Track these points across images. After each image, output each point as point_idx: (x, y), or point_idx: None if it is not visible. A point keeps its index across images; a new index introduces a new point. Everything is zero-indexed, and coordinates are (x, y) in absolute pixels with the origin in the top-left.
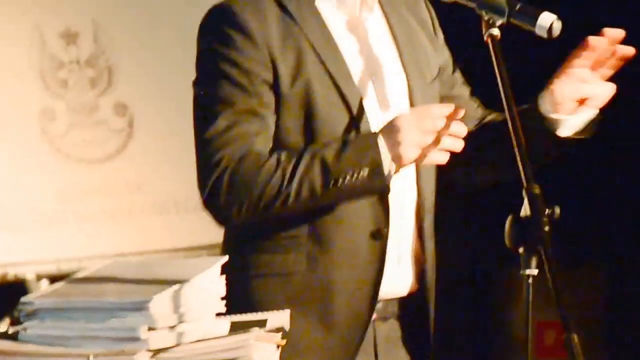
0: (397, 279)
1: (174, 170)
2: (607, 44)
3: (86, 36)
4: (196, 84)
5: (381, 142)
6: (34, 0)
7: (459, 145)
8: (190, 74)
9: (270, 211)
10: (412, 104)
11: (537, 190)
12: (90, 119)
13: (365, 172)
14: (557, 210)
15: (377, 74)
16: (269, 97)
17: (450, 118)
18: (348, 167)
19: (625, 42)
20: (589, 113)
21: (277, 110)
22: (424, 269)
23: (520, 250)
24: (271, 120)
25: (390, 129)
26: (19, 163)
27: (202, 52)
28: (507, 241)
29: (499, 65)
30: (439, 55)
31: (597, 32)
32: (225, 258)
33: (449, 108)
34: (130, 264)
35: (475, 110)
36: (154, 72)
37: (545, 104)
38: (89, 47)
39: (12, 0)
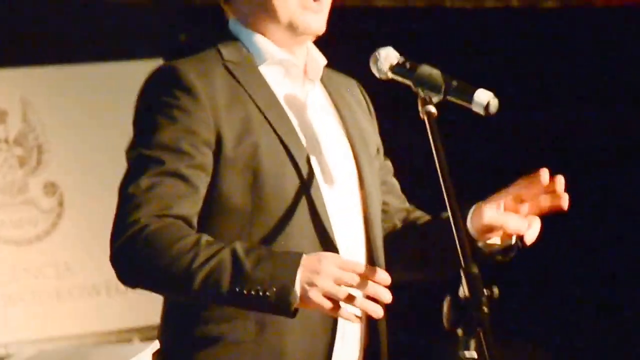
0: (351, 346)
1: (104, 250)
2: (550, 184)
3: (15, 114)
4: (130, 147)
5: (299, 272)
6: None
7: (373, 309)
8: (122, 153)
9: (171, 290)
10: (360, 176)
11: (475, 271)
12: (19, 198)
13: (272, 292)
14: (496, 290)
15: (317, 148)
16: (205, 159)
17: (373, 278)
18: (259, 280)
19: None
20: (504, 241)
21: (217, 172)
22: (377, 341)
23: (459, 332)
24: (202, 182)
25: (312, 265)
26: None
27: (141, 111)
28: (445, 323)
29: (435, 142)
30: (375, 138)
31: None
32: (157, 345)
33: (376, 272)
34: (57, 355)
35: (402, 204)
36: (85, 151)
37: (471, 220)
38: (18, 126)
39: None
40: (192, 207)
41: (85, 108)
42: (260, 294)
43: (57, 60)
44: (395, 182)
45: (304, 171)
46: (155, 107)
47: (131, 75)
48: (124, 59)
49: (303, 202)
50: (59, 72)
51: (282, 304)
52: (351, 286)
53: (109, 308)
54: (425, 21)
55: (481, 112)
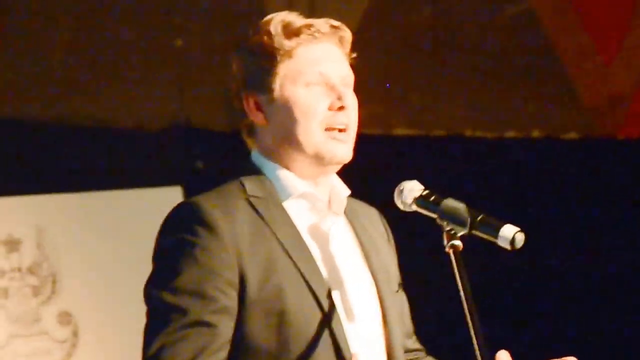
0: None
1: None
2: None
3: (29, 243)
4: (149, 285)
5: None
6: None
7: None
8: (138, 282)
9: None
10: (383, 312)
11: None
12: (32, 329)
13: None
14: None
15: (339, 283)
16: (230, 301)
17: None
18: None
19: None
20: None
21: (241, 313)
22: None
23: None
24: (228, 327)
25: None
26: None
27: (162, 249)
28: None
29: (462, 277)
30: (395, 270)
31: None
32: None
33: None
34: None
35: (413, 345)
36: (100, 279)
37: None
38: (32, 254)
39: None
40: (216, 353)
41: (101, 236)
42: None
43: (72, 188)
44: (408, 321)
45: (326, 309)
46: (177, 245)
47: (148, 202)
48: (141, 186)
49: (326, 339)
50: (75, 200)
51: None
52: None
53: None
54: (447, 150)
55: (507, 247)
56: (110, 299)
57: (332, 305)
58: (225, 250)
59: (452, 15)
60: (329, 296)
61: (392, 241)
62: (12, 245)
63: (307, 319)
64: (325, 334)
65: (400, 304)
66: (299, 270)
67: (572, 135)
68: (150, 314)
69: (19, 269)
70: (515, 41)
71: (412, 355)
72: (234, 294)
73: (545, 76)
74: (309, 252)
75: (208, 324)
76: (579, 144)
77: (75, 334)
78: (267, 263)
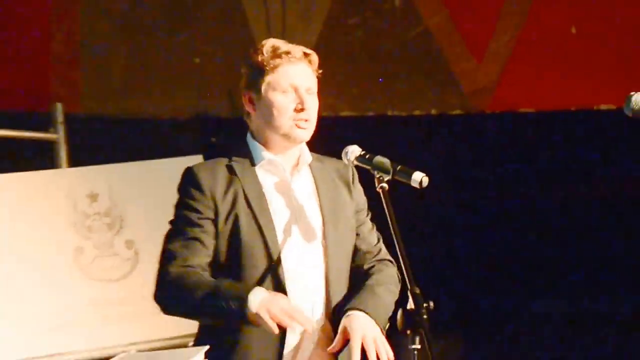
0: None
1: None
2: None
3: (104, 196)
4: (170, 221)
5: (261, 299)
6: (68, 173)
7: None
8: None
9: (190, 317)
10: (325, 244)
11: (418, 291)
12: (108, 252)
13: (235, 306)
14: (432, 304)
15: (299, 219)
16: (210, 228)
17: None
18: (231, 299)
19: None
20: None
21: (216, 236)
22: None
23: (408, 332)
24: (209, 242)
25: (270, 298)
26: (64, 284)
27: (177, 201)
28: (398, 326)
29: (389, 207)
30: (355, 202)
31: None
32: (206, 348)
33: (302, 318)
34: (138, 356)
35: (370, 249)
36: (152, 218)
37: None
38: (106, 203)
39: (52, 177)
40: (204, 258)
41: (151, 190)
42: (233, 307)
43: (132, 159)
44: (366, 234)
45: (271, 243)
46: (182, 193)
47: (181, 166)
48: (175, 156)
49: (268, 268)
50: (133, 167)
51: (240, 314)
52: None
53: (169, 322)
54: (377, 126)
55: (417, 186)
56: (157, 232)
57: (274, 239)
58: (205, 198)
59: (375, 37)
60: (273, 234)
61: (358, 184)
62: (93, 197)
63: (253, 248)
64: (266, 259)
65: (354, 235)
66: (252, 210)
67: (457, 111)
68: (166, 233)
69: (98, 213)
70: (415, 50)
71: (369, 255)
72: (212, 225)
73: (436, 74)
74: (265, 199)
75: (198, 239)
76: (460, 118)
77: (136, 254)
78: (232, 205)
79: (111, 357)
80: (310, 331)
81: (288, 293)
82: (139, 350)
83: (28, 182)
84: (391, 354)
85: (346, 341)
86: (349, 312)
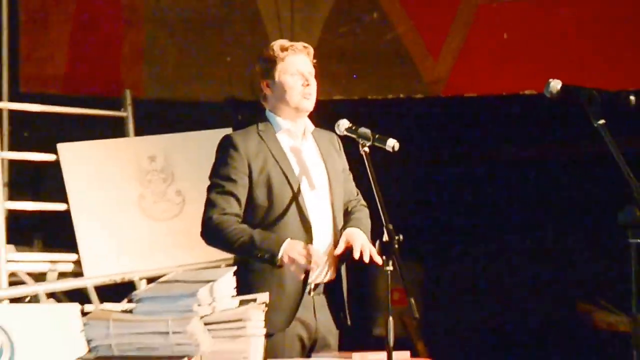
0: (321, 274)
1: None
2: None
3: (160, 157)
4: (210, 174)
5: (282, 247)
6: (134, 141)
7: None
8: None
9: (228, 251)
10: (330, 190)
11: (391, 227)
12: (163, 199)
13: (266, 255)
14: (401, 237)
15: (307, 172)
16: (244, 182)
17: (314, 257)
18: (263, 250)
19: None
20: None
21: (250, 188)
22: (338, 268)
23: (384, 257)
24: (243, 195)
25: (292, 245)
26: (131, 221)
27: (216, 157)
28: (377, 253)
29: (369, 165)
30: (342, 163)
31: None
32: (234, 268)
33: (317, 254)
34: (187, 273)
35: (352, 197)
36: (195, 174)
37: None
38: (162, 162)
39: (122, 144)
40: (239, 209)
41: (194, 154)
42: (266, 257)
43: (179, 131)
44: (350, 187)
45: (295, 187)
46: (220, 155)
47: (216, 137)
48: (213, 128)
49: (293, 205)
50: (180, 136)
51: (271, 262)
52: (304, 259)
53: (209, 251)
54: (360, 106)
55: (390, 150)
56: (201, 183)
57: (298, 187)
58: (241, 158)
59: (359, 41)
60: (297, 182)
61: (342, 150)
62: (152, 158)
63: (282, 192)
64: (293, 202)
65: (343, 186)
66: (279, 165)
67: (419, 95)
68: (208, 186)
69: (156, 170)
70: (388, 51)
71: (353, 203)
72: (245, 179)
73: (404, 68)
74: (287, 158)
75: (233, 194)
76: (422, 100)
77: (183, 200)
78: (263, 162)
79: (165, 274)
80: (322, 263)
81: (311, 223)
82: (185, 270)
83: (106, 147)
84: (375, 254)
85: (346, 248)
86: (349, 229)
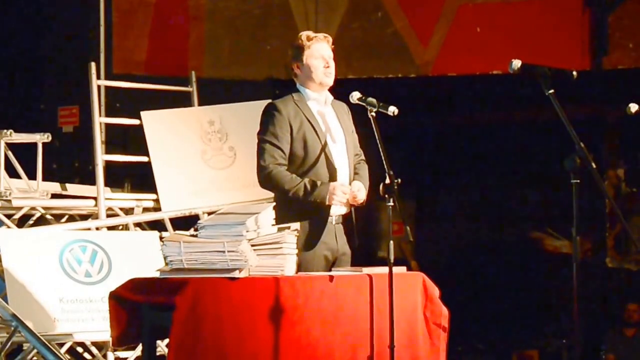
0: (340, 208)
1: (254, 173)
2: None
3: (217, 121)
4: (258, 133)
5: (330, 189)
6: (197, 110)
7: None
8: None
9: (282, 194)
10: (347, 145)
11: (392, 173)
12: (219, 152)
13: (318, 199)
14: (399, 180)
15: (330, 130)
16: (287, 138)
17: (351, 195)
18: (314, 196)
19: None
20: None
21: (291, 142)
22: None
23: (386, 196)
24: (286, 148)
25: (333, 187)
26: (193, 172)
27: (263, 119)
28: (380, 193)
29: (376, 126)
30: (352, 126)
31: None
32: (274, 204)
33: (352, 190)
34: (238, 207)
35: (358, 156)
36: (244, 134)
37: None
38: (219, 125)
39: (189, 112)
40: (284, 159)
41: (244, 118)
42: (318, 200)
43: (231, 102)
44: (357, 146)
45: (323, 141)
46: (267, 117)
47: (259, 106)
48: (257, 100)
49: (323, 154)
50: (233, 106)
51: (322, 202)
52: (343, 196)
53: (255, 191)
54: (368, 84)
55: (391, 114)
56: (249, 142)
57: (325, 141)
58: (284, 120)
59: (367, 34)
60: (324, 137)
61: (351, 116)
62: (211, 122)
63: (314, 145)
64: (323, 153)
65: (354, 141)
66: (311, 125)
67: (412, 75)
68: (259, 144)
69: (215, 131)
70: (390, 42)
71: (358, 158)
72: (288, 135)
73: (401, 54)
74: (317, 119)
75: (280, 148)
76: (415, 79)
77: (235, 154)
78: (300, 123)
79: (222, 209)
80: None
81: (336, 168)
82: (237, 206)
83: (177, 114)
84: (362, 197)
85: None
86: (355, 182)
